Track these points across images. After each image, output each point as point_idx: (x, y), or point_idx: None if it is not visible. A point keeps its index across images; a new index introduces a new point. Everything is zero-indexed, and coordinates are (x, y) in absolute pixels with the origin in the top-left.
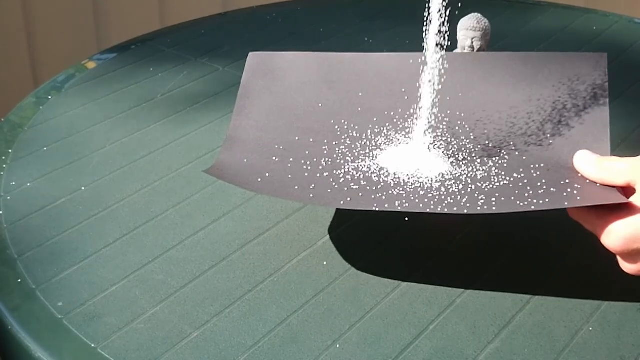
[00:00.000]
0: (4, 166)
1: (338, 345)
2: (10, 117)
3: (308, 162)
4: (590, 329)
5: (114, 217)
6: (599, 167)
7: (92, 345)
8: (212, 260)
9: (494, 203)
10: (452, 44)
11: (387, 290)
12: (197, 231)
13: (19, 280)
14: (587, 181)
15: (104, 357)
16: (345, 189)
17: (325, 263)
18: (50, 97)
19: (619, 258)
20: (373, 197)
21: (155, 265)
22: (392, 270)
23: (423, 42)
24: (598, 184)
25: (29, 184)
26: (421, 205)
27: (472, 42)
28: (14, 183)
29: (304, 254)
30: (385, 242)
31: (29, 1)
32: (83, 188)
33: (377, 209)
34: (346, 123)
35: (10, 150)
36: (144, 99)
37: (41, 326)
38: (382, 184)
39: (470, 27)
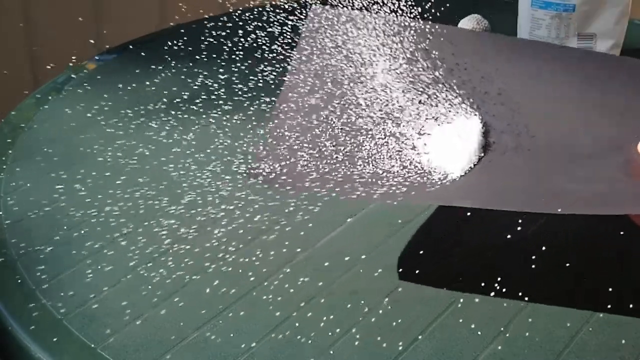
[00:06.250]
0: (4, 167)
1: (338, 346)
2: (10, 118)
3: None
4: (590, 329)
5: (114, 218)
6: None
7: (92, 346)
8: (212, 261)
9: (559, 204)
10: None
11: (387, 291)
12: (196, 231)
13: (19, 281)
14: None
15: (103, 357)
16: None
17: (325, 264)
18: (50, 98)
19: None
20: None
21: (155, 266)
22: (392, 271)
23: None
24: None
25: (28, 185)
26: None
27: None
28: (13, 184)
29: (303, 254)
30: (385, 242)
31: (29, 1)
32: (83, 189)
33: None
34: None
35: (10, 151)
36: (143, 100)
37: (41, 327)
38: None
39: (470, 28)
